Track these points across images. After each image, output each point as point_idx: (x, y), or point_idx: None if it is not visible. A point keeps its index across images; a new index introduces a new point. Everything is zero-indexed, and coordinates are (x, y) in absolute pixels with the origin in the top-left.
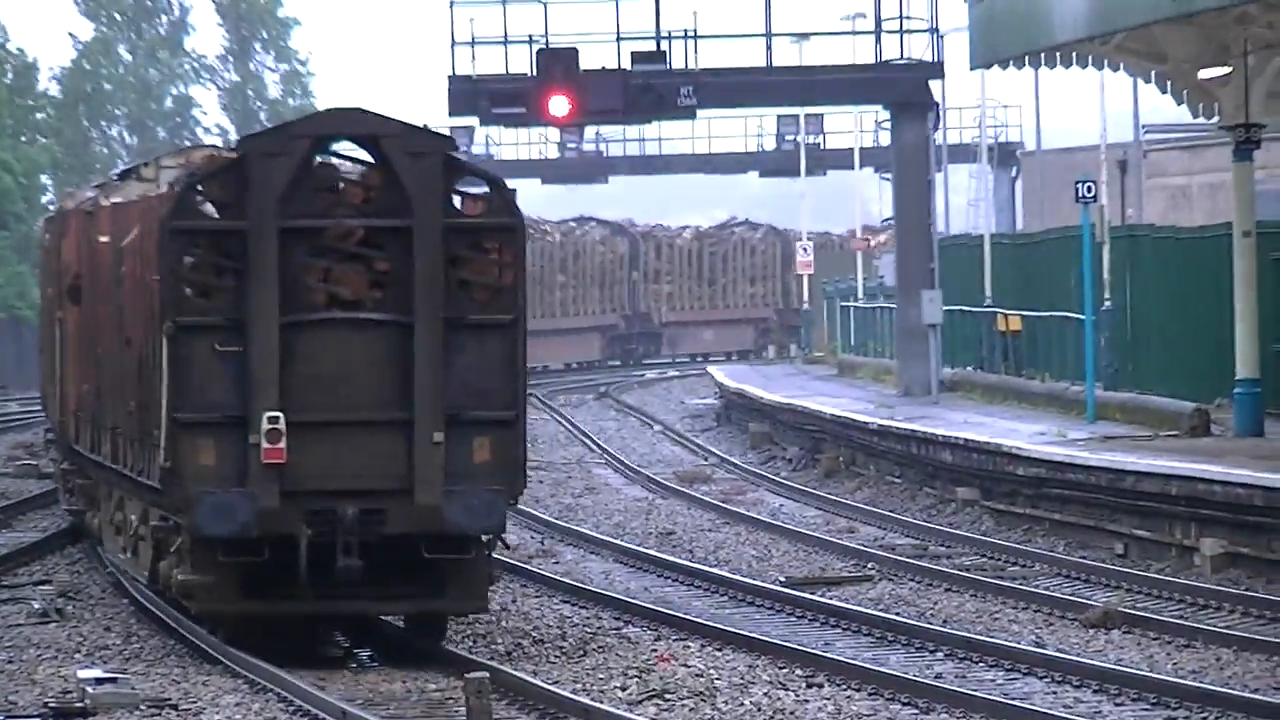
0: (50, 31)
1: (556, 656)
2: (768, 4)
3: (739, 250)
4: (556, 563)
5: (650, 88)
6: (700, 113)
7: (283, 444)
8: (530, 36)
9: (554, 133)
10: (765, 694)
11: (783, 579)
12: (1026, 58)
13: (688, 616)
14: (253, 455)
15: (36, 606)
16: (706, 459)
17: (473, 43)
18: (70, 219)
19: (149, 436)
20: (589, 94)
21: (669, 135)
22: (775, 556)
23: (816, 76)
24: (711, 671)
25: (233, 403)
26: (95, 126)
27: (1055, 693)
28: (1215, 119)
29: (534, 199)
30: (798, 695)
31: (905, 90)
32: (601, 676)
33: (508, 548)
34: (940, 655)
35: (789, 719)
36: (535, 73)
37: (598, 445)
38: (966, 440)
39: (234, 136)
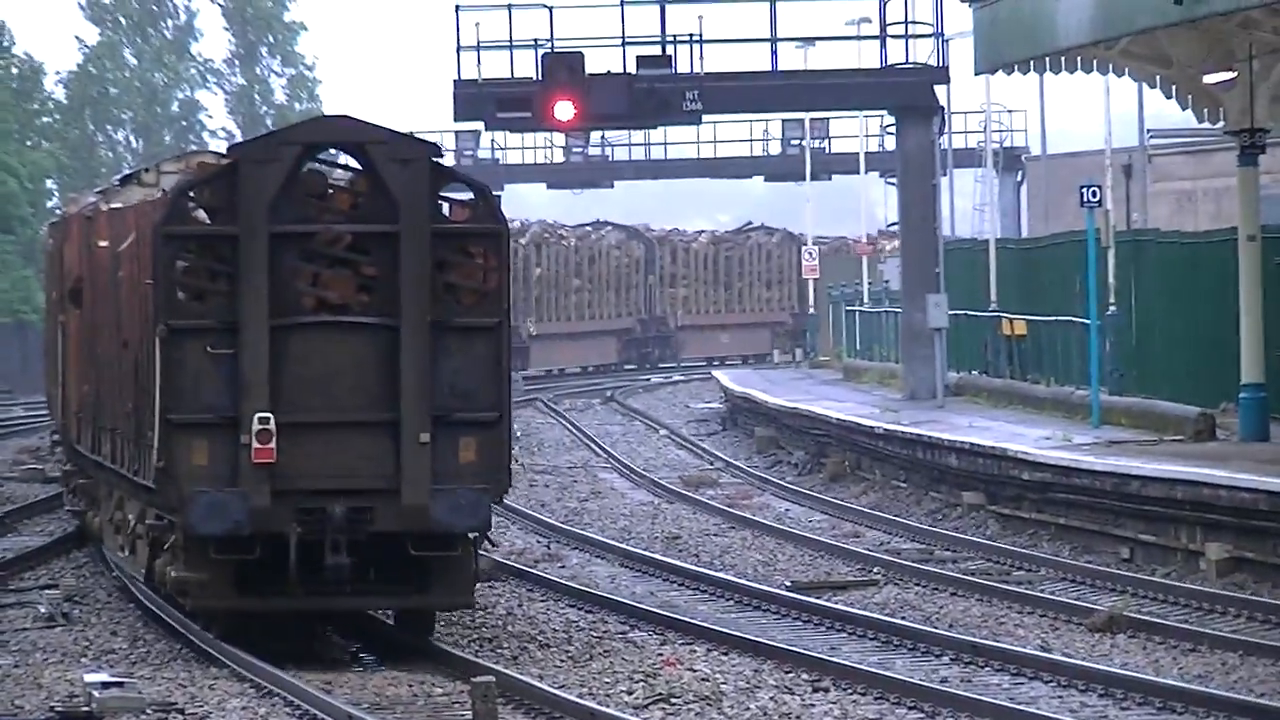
0: (56, 36)
1: (562, 660)
2: (773, 9)
3: (755, 255)
4: (562, 567)
5: (655, 92)
6: (705, 117)
7: (273, 444)
8: (536, 41)
9: (559, 137)
10: (771, 698)
11: (788, 583)
12: (1031, 62)
13: (694, 621)
14: (244, 455)
15: (43, 610)
16: (712, 463)
17: (478, 47)
18: (72, 223)
19: (144, 437)
20: (594, 98)
21: (674, 140)
22: (781, 561)
23: (822, 81)
24: (717, 675)
25: (224, 404)
26: (101, 130)
27: (1061, 697)
28: (1220, 124)
29: (539, 204)
30: (804, 699)
31: (910, 95)
32: (607, 680)
33: (494, 545)
34: (946, 659)
35: None
36: (540, 77)
37: (603, 450)
38: (972, 445)
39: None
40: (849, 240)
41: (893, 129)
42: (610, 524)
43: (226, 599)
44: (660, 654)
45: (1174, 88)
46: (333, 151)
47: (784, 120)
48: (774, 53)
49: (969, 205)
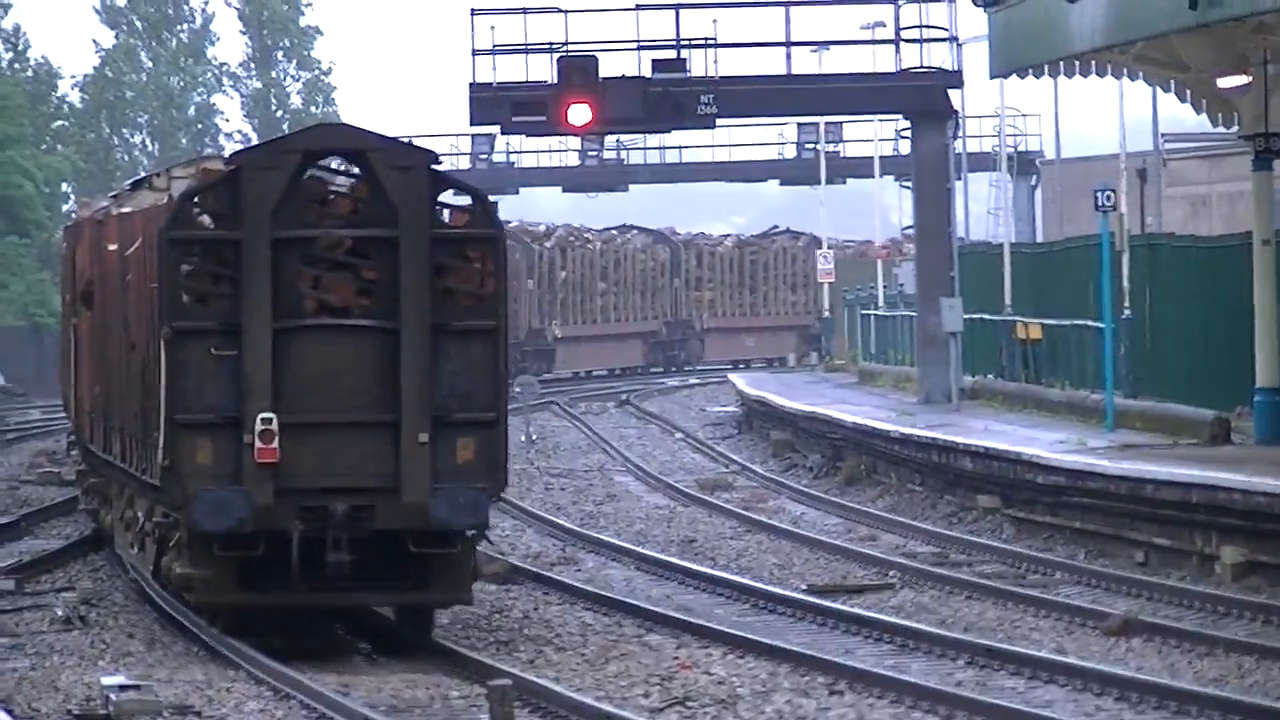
0: (72, 39)
1: (578, 663)
2: (787, 13)
3: (780, 258)
4: (578, 570)
5: (670, 96)
6: (720, 121)
7: (276, 444)
8: (551, 44)
9: (574, 141)
10: (787, 701)
11: (804, 586)
12: (1046, 67)
13: (709, 624)
14: (247, 454)
15: (59, 613)
16: (727, 467)
17: (493, 51)
18: (84, 227)
19: (151, 436)
20: (609, 102)
21: (689, 143)
22: (797, 564)
23: (836, 85)
24: (733, 679)
25: (228, 404)
26: (117, 134)
27: (1076, 700)
28: (1234, 128)
29: (554, 207)
30: (819, 702)
31: (924, 99)
32: (624, 683)
33: (490, 543)
34: (961, 663)
35: None
36: (556, 81)
37: (619, 453)
38: (987, 448)
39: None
40: (873, 244)
41: (907, 133)
42: (626, 527)
43: (230, 595)
44: (676, 657)
45: (1188, 92)
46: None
47: (799, 124)
48: (788, 57)
49: (983, 209)
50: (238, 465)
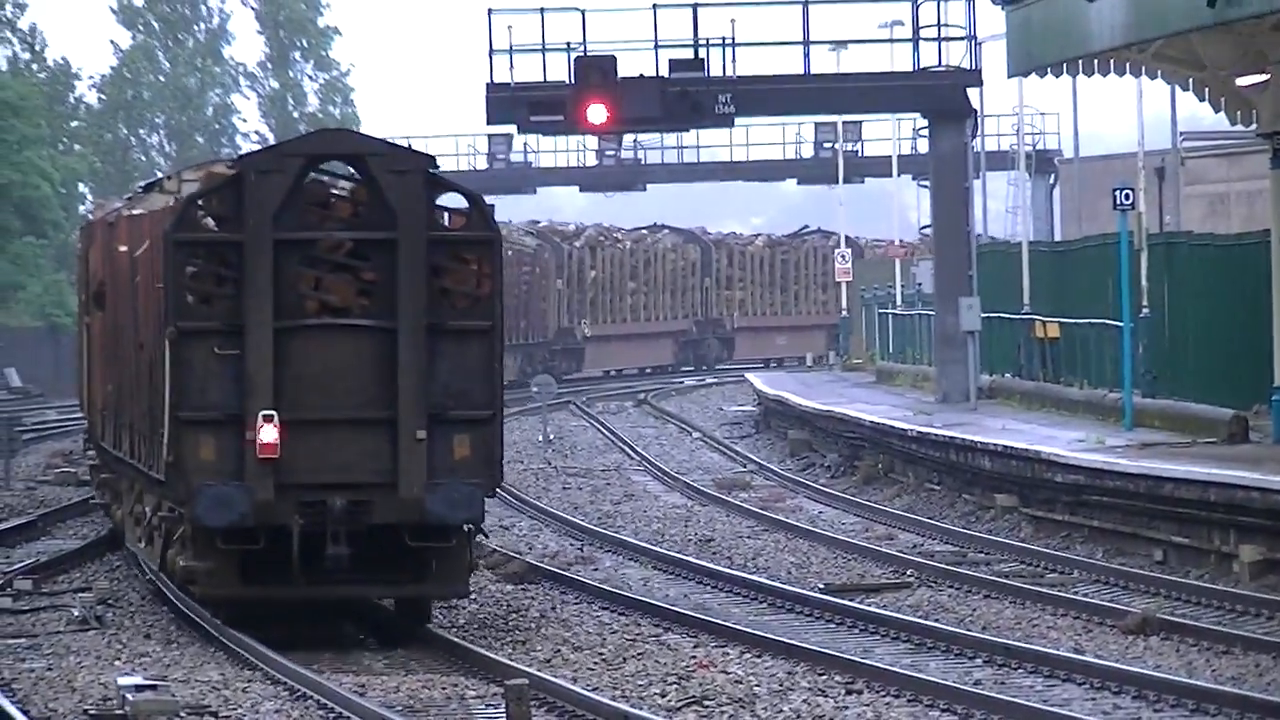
0: (91, 40)
1: (596, 663)
2: (805, 12)
3: (810, 258)
4: (595, 569)
5: (688, 95)
6: (738, 120)
7: (276, 440)
8: (568, 44)
9: (592, 140)
10: (804, 700)
11: (821, 586)
12: (1064, 65)
13: (727, 623)
14: (249, 451)
15: (76, 614)
16: (745, 466)
17: (511, 51)
18: (96, 229)
19: (156, 433)
20: (626, 102)
21: (707, 143)
22: (814, 563)
23: (854, 84)
24: (751, 678)
25: (231, 402)
26: (134, 134)
27: (1094, 699)
28: (1253, 126)
29: (572, 207)
30: (837, 702)
31: (943, 98)
32: (641, 683)
33: (486, 537)
34: (979, 662)
35: None
36: (573, 80)
37: (636, 452)
38: (1005, 447)
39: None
40: (906, 243)
41: (925, 132)
42: (643, 527)
43: (232, 587)
44: (693, 656)
45: (1206, 90)
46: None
47: (816, 123)
48: (806, 56)
49: (1002, 208)
50: (240, 461)
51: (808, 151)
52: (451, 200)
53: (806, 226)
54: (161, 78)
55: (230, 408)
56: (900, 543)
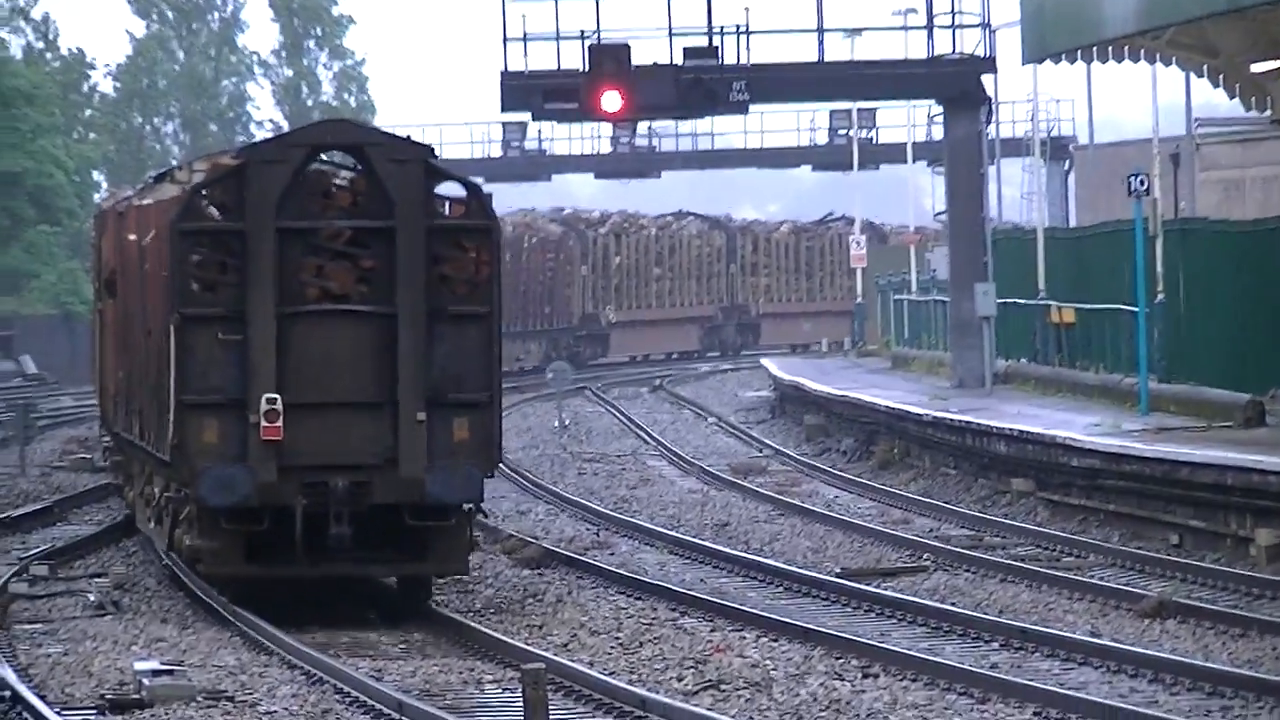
0: (105, 29)
1: (612, 647)
2: None
3: (836, 244)
4: (612, 554)
5: (702, 83)
6: (753, 108)
7: (279, 423)
8: (582, 32)
9: (606, 128)
10: (821, 684)
11: (838, 570)
12: (1078, 52)
13: (743, 608)
14: (252, 433)
15: (92, 599)
16: (761, 451)
17: (525, 39)
18: (108, 218)
19: (163, 417)
20: (641, 89)
21: (721, 130)
22: (830, 548)
23: (869, 71)
24: (767, 662)
25: (234, 386)
26: (149, 123)
27: (1111, 683)
28: (1267, 112)
29: (587, 194)
30: (853, 685)
31: (957, 84)
32: (657, 667)
33: (486, 516)
34: (996, 645)
35: (845, 709)
36: (587, 68)
37: (652, 438)
38: (1020, 432)
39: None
40: (928, 229)
41: (940, 119)
42: (659, 511)
43: (236, 566)
44: (710, 641)
45: (1221, 77)
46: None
47: (831, 110)
48: (820, 43)
49: (1017, 194)
50: (243, 443)
51: (822, 138)
52: (450, 189)
53: (831, 213)
54: (176, 67)
55: (234, 392)
56: (916, 527)
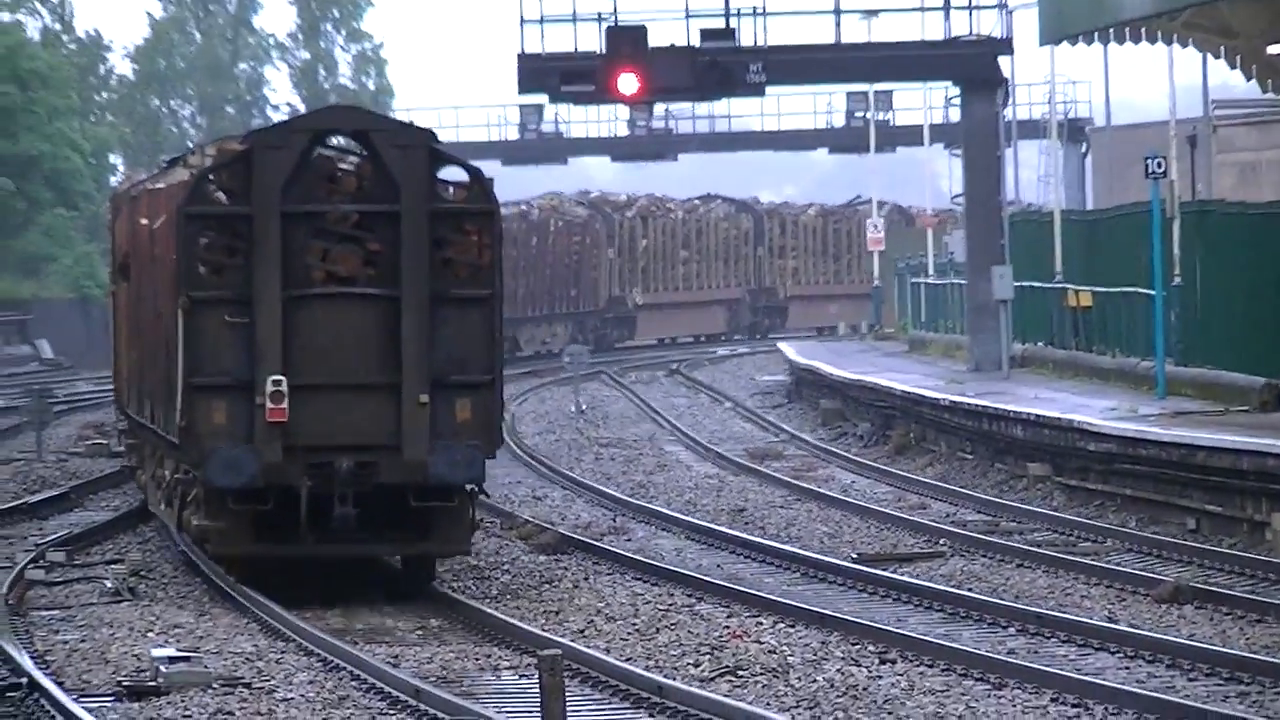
0: (123, 11)
1: (629, 633)
2: None
3: (864, 227)
4: (628, 540)
5: (719, 65)
6: (769, 90)
7: (285, 405)
8: (599, 14)
9: (623, 110)
10: (838, 670)
11: (854, 555)
12: (1095, 33)
13: (760, 593)
14: (258, 415)
15: (109, 585)
16: (777, 436)
17: (542, 21)
18: (122, 201)
19: (172, 398)
20: (658, 72)
21: (738, 112)
22: (847, 533)
23: (885, 53)
24: (784, 648)
25: (241, 368)
26: (166, 106)
27: (1128, 668)
28: None
29: (603, 176)
30: (870, 671)
31: (974, 66)
32: (674, 653)
33: (487, 497)
34: (1012, 631)
35: (862, 695)
36: (604, 50)
37: (669, 422)
38: (1037, 416)
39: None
40: (956, 213)
41: (957, 101)
42: (676, 497)
43: (243, 545)
44: (727, 626)
45: (1238, 59)
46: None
47: (848, 92)
48: (838, 25)
49: (1033, 176)
50: (250, 425)
51: (839, 121)
52: (453, 174)
53: (859, 196)
54: (192, 49)
55: (241, 374)
56: (933, 512)
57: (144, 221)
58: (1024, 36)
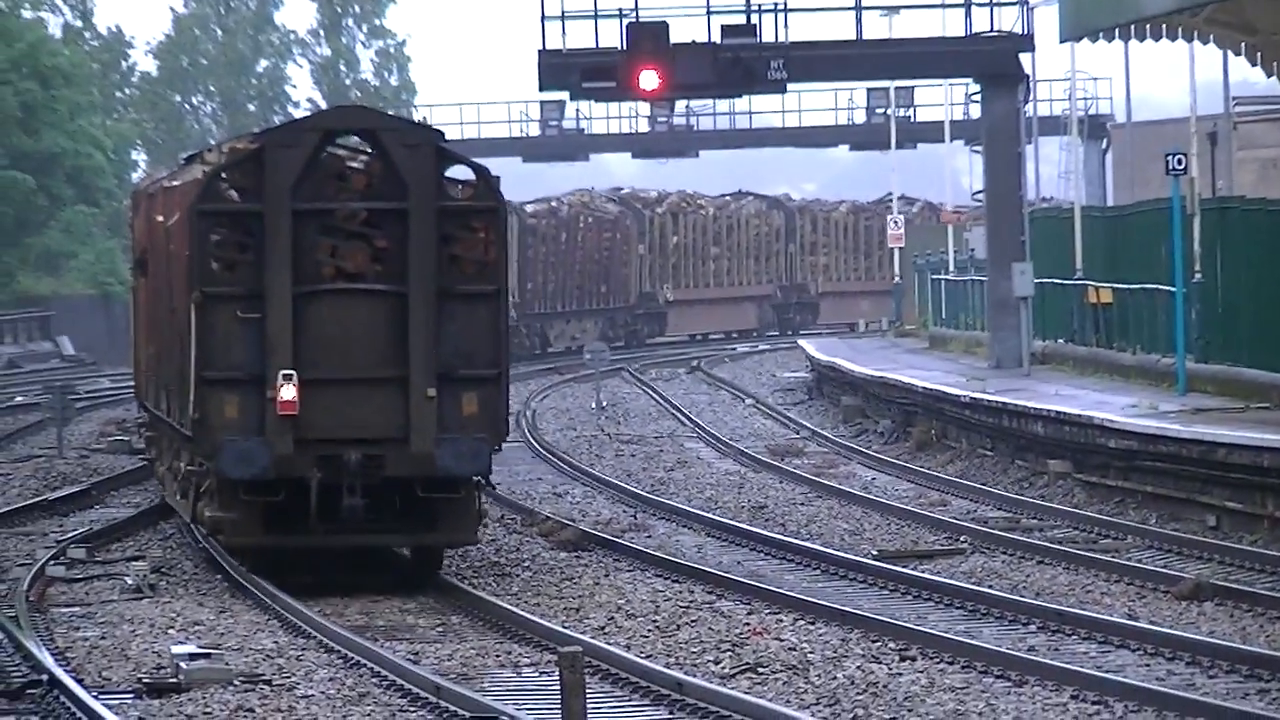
0: (142, 6)
1: (649, 630)
2: None
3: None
4: (649, 537)
5: (740, 61)
6: (790, 86)
7: (295, 398)
8: (620, 10)
9: (644, 107)
10: (858, 667)
11: (875, 552)
12: (1116, 30)
13: (780, 590)
14: (269, 408)
15: (129, 582)
16: (798, 433)
17: (563, 17)
18: (141, 198)
19: (185, 392)
20: (678, 68)
21: (759, 109)
22: (867, 530)
23: (906, 49)
24: (804, 645)
25: (252, 362)
26: (187, 102)
27: (1148, 665)
28: None
29: (624, 173)
30: (891, 668)
31: (995, 63)
32: (694, 650)
33: (493, 488)
34: (1033, 628)
35: (882, 692)
36: (625, 47)
37: (689, 419)
38: (1058, 413)
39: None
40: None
41: (978, 97)
42: (696, 493)
43: (255, 536)
44: (747, 623)
45: (1259, 55)
46: None
47: (869, 89)
48: (859, 21)
49: (1054, 172)
50: (261, 418)
51: (860, 117)
52: (460, 172)
53: (890, 194)
54: (212, 46)
55: (252, 368)
56: (953, 509)
57: (160, 218)
58: (1045, 33)
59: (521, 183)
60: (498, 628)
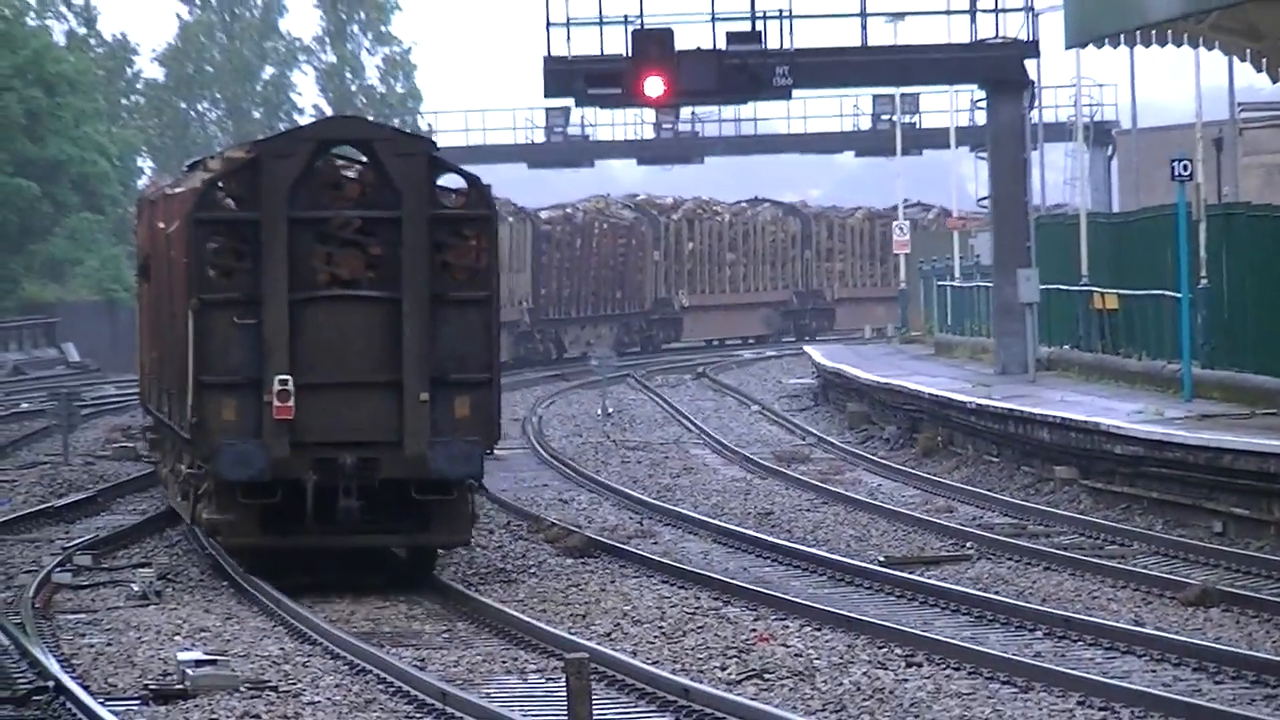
0: (147, 13)
1: (655, 636)
2: None
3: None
4: (655, 543)
5: (745, 68)
6: (796, 92)
7: (292, 402)
8: (625, 17)
9: (649, 113)
10: (864, 673)
11: (881, 558)
12: (1121, 36)
13: (787, 596)
14: (266, 412)
15: (136, 589)
16: (804, 439)
17: (568, 24)
18: (144, 206)
19: (184, 396)
20: (684, 75)
21: (764, 115)
22: (874, 536)
23: (912, 56)
24: (811, 651)
25: (249, 367)
26: (193, 108)
27: (1154, 671)
28: None
29: (629, 179)
30: (897, 674)
31: (1001, 69)
32: (700, 656)
33: (485, 490)
34: (1039, 634)
35: (888, 698)
36: (630, 53)
37: (695, 425)
38: (1064, 419)
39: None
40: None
41: (983, 103)
42: (703, 500)
43: (252, 537)
44: (753, 630)
45: (1264, 61)
46: None
47: (874, 95)
48: (864, 27)
49: (1059, 179)
50: (258, 421)
51: (865, 123)
52: (452, 180)
53: (907, 200)
54: (217, 53)
55: (249, 372)
56: (960, 515)
57: (161, 225)
58: (1050, 39)
59: (527, 189)
60: (504, 634)
